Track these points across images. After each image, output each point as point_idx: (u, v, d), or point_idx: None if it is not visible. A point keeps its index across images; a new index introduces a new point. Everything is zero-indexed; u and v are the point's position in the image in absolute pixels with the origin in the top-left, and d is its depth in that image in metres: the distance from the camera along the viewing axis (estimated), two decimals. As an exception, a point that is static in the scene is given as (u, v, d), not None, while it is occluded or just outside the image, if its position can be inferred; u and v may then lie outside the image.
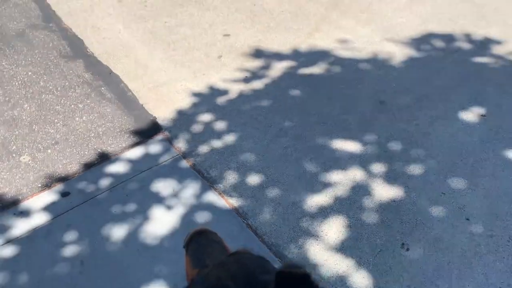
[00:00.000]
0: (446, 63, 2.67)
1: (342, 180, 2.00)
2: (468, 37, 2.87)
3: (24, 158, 2.15)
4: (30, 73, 2.67)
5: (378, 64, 2.68)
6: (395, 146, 2.15)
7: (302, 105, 2.40)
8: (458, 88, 2.48)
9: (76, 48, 2.87)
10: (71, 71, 2.68)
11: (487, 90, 2.46)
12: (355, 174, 2.02)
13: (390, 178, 2.00)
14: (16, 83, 2.59)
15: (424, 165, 2.04)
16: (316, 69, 2.65)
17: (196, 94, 2.50)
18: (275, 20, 3.08)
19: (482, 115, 2.29)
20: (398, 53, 2.75)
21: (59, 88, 2.56)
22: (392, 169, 2.04)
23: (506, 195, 1.90)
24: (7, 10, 3.26)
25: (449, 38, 2.87)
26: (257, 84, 2.55)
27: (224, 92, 2.50)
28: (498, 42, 2.81)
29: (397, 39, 2.87)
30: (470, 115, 2.30)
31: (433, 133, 2.21)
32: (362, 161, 2.08)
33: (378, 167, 2.05)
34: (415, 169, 2.03)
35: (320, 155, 2.12)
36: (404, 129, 2.24)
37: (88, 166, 2.11)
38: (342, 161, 2.09)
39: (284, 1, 3.29)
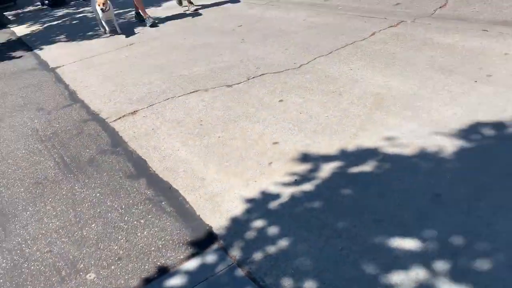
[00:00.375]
0: (500, 151, 2.60)
1: (404, 281, 1.90)
2: (519, 123, 2.81)
3: (90, 276, 2.27)
4: (98, 194, 2.92)
5: (428, 157, 2.66)
6: (457, 240, 2.05)
7: (354, 204, 2.39)
8: (518, 175, 2.38)
9: (139, 168, 3.13)
10: (134, 189, 2.90)
11: (551, 174, 2.33)
12: (418, 273, 1.92)
13: (457, 275, 1.87)
14: (86, 205, 2.83)
15: (492, 259, 1.91)
16: (366, 167, 2.67)
17: (249, 201, 2.58)
18: (321, 125, 3.22)
19: (549, 201, 2.16)
20: (448, 145, 2.73)
21: (123, 206, 2.75)
22: (457, 265, 1.91)
23: None
24: (81, 140, 3.68)
25: (499, 126, 2.83)
26: (308, 187, 2.60)
27: (276, 197, 2.57)
28: (553, 124, 2.73)
29: (446, 131, 2.87)
30: (536, 201, 2.17)
31: (498, 224, 2.09)
32: (423, 258, 1.98)
33: (441, 265, 1.94)
34: (483, 265, 1.89)
35: (378, 255, 2.05)
36: (465, 222, 2.14)
37: (148, 280, 2.17)
38: (402, 260, 2.00)
39: (329, 107, 3.46)
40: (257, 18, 6.55)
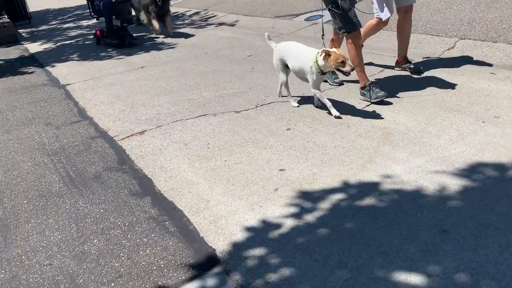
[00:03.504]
0: (507, 190, 2.60)
1: (410, 315, 1.86)
2: (526, 164, 2.82)
3: (89, 291, 2.23)
4: (102, 210, 2.90)
5: (435, 193, 2.66)
6: (463, 277, 2.02)
7: (360, 235, 2.38)
8: (526, 215, 2.37)
9: (145, 186, 3.13)
10: (139, 208, 2.88)
11: (559, 217, 2.32)
12: (423, 308, 1.89)
13: (463, 313, 1.83)
14: (89, 220, 2.81)
15: (500, 298, 1.88)
16: (372, 200, 2.67)
17: (253, 226, 2.56)
18: (328, 155, 3.24)
19: (558, 243, 2.14)
20: (455, 183, 2.73)
21: (127, 224, 2.73)
22: (464, 303, 1.88)
23: None
24: (88, 156, 3.69)
25: (505, 167, 2.84)
26: (314, 215, 2.59)
27: (281, 224, 2.55)
28: (561, 167, 2.73)
29: (452, 169, 2.88)
30: (544, 243, 2.16)
31: (505, 262, 2.07)
32: (429, 294, 1.95)
33: (448, 301, 1.90)
34: (491, 303, 1.86)
35: (383, 287, 2.02)
36: (472, 259, 2.12)
37: (148, 299, 2.13)
38: (408, 294, 1.97)
39: (336, 138, 3.48)
40: (267, 50, 6.67)
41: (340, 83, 4.70)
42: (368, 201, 2.66)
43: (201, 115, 4.28)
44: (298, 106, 4.19)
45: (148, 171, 3.32)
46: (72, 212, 2.92)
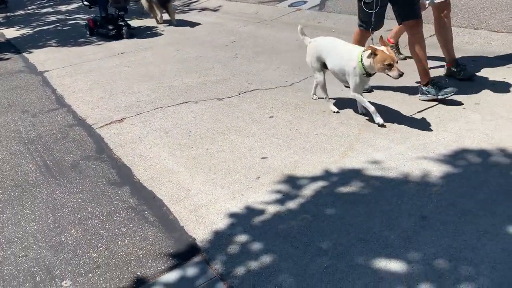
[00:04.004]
0: (486, 177, 2.62)
1: (389, 302, 1.87)
2: (505, 152, 2.85)
3: (65, 283, 2.18)
4: (79, 200, 2.84)
5: (415, 180, 2.66)
6: (442, 263, 2.03)
7: (341, 222, 2.37)
8: (504, 201, 2.39)
9: (123, 175, 3.07)
10: (117, 197, 2.83)
11: (536, 202, 2.35)
12: (403, 295, 1.89)
13: (442, 299, 1.85)
14: (66, 210, 2.75)
15: (477, 284, 1.89)
16: (353, 187, 2.66)
17: (234, 215, 2.54)
18: (310, 142, 3.22)
19: (534, 229, 2.17)
20: (435, 169, 2.74)
21: (105, 213, 2.68)
22: (443, 289, 1.89)
23: None
24: (65, 144, 3.61)
25: (486, 153, 2.86)
26: (295, 203, 2.58)
27: (262, 212, 2.53)
28: (538, 154, 2.77)
29: (433, 155, 2.89)
30: (521, 228, 2.18)
31: (483, 248, 2.08)
32: (408, 281, 1.96)
33: (426, 287, 1.91)
34: (468, 289, 1.88)
35: (362, 275, 2.02)
36: (451, 245, 2.13)
37: (126, 290, 2.10)
38: (387, 282, 1.97)
39: (318, 125, 3.46)
40: (250, 36, 6.60)
41: (370, 90, 4.00)
42: (349, 188, 2.66)
43: (182, 103, 4.21)
44: (338, 112, 3.64)
45: (127, 159, 3.26)
46: (49, 202, 2.86)
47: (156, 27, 7.84)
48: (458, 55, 4.15)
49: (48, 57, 6.45)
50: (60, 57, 6.42)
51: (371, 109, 3.32)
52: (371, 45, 3.14)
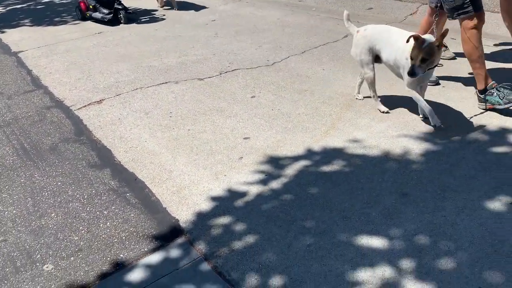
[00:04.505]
0: (465, 154, 2.66)
1: (371, 278, 1.90)
2: (483, 128, 2.89)
3: (47, 267, 2.15)
4: (59, 183, 2.79)
5: (396, 158, 2.70)
6: (423, 239, 2.07)
7: (323, 201, 2.39)
8: (481, 177, 2.44)
9: (104, 157, 3.02)
10: (98, 180, 2.79)
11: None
12: (384, 271, 1.93)
13: (421, 273, 1.89)
14: (46, 194, 2.70)
15: (456, 258, 1.94)
16: (335, 166, 2.68)
17: (217, 195, 2.53)
18: (292, 122, 3.21)
19: (510, 203, 2.22)
20: (416, 147, 2.78)
21: (86, 196, 2.64)
22: (422, 263, 1.94)
23: (551, 288, 1.76)
24: (43, 127, 3.52)
25: (464, 130, 2.90)
26: (278, 182, 2.58)
27: (245, 192, 2.53)
28: (515, 131, 2.82)
29: (413, 133, 2.92)
30: (498, 203, 2.23)
31: (461, 223, 2.13)
32: (390, 256, 2.00)
33: (407, 262, 1.95)
34: (447, 263, 1.92)
35: (345, 251, 2.05)
36: (431, 221, 2.17)
37: (109, 272, 2.09)
38: (369, 258, 2.00)
39: (300, 105, 3.46)
40: (231, 14, 6.51)
41: (436, 82, 3.52)
42: (331, 167, 2.67)
43: (162, 83, 4.14)
44: (388, 112, 3.22)
45: (107, 141, 3.20)
46: (27, 185, 2.80)
47: (136, 6, 7.64)
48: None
49: (22, 37, 6.24)
50: (34, 37, 6.22)
51: (427, 109, 2.88)
52: (415, 33, 2.73)
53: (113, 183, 2.75)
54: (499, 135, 2.81)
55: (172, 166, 2.84)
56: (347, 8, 5.89)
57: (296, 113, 3.33)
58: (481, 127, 2.91)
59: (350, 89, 3.63)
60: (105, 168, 2.90)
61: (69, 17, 7.26)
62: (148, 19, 6.68)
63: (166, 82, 4.15)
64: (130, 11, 6.79)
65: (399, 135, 2.91)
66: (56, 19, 7.21)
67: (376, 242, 2.09)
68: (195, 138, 3.14)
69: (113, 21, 6.44)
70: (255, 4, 6.89)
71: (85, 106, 3.80)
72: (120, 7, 6.46)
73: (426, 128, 2.97)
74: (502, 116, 3.00)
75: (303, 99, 3.55)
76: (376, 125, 3.06)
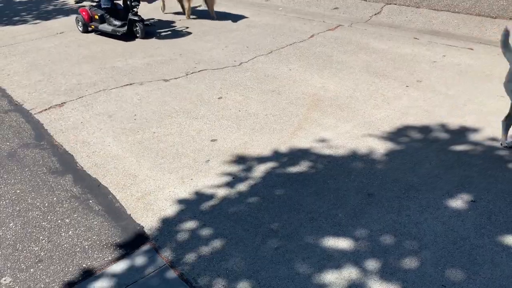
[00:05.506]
0: (427, 153, 2.72)
1: (337, 280, 1.91)
2: (445, 127, 2.97)
3: (5, 280, 2.06)
4: (18, 191, 2.68)
5: (362, 158, 2.72)
6: (388, 239, 2.10)
7: (290, 203, 2.39)
8: (444, 176, 2.50)
9: (65, 163, 2.92)
10: (59, 186, 2.69)
11: (473, 176, 2.47)
12: (350, 272, 1.94)
13: (386, 273, 1.91)
14: (3, 202, 2.59)
15: (419, 257, 1.97)
16: (302, 167, 2.68)
17: (183, 200, 2.49)
18: (259, 123, 3.20)
19: (471, 201, 2.28)
20: (380, 147, 2.82)
21: (46, 204, 2.54)
22: (387, 263, 1.96)
23: (510, 282, 1.81)
24: (1, 132, 3.37)
25: (427, 129, 2.97)
26: (245, 185, 2.56)
27: (212, 196, 2.50)
28: (474, 130, 2.90)
29: (378, 133, 2.96)
30: (459, 202, 2.29)
31: (425, 222, 2.17)
32: (356, 257, 2.01)
33: (373, 263, 1.97)
34: (411, 262, 1.95)
35: (312, 254, 2.05)
36: (396, 221, 2.20)
37: (71, 284, 2.01)
38: (336, 259, 2.01)
39: (268, 106, 3.45)
40: (198, 14, 6.43)
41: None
42: (298, 168, 2.68)
43: (126, 84, 4.05)
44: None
45: (69, 146, 3.10)
46: (-17, 194, 2.67)
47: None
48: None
49: (-22, 37, 5.98)
50: (-9, 37, 5.96)
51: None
52: None
53: (75, 189, 2.66)
54: (460, 133, 2.89)
55: (137, 171, 2.77)
56: (313, 7, 5.93)
57: (264, 114, 3.32)
58: (443, 126, 2.98)
59: (317, 89, 3.65)
60: (66, 174, 2.80)
61: (29, 16, 7.01)
62: (170, 32, 5.73)
63: (131, 84, 4.05)
64: (148, 23, 5.57)
65: (364, 135, 2.95)
66: (15, 18, 6.95)
67: (342, 243, 2.10)
68: (160, 141, 3.08)
69: (128, 36, 5.44)
70: (221, 3, 6.83)
71: (46, 109, 3.67)
72: (136, 18, 5.29)
73: (390, 127, 3.01)
74: (463, 114, 3.08)
75: (270, 100, 3.54)
76: (342, 125, 3.09)
